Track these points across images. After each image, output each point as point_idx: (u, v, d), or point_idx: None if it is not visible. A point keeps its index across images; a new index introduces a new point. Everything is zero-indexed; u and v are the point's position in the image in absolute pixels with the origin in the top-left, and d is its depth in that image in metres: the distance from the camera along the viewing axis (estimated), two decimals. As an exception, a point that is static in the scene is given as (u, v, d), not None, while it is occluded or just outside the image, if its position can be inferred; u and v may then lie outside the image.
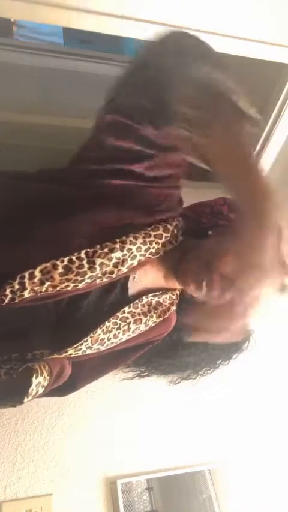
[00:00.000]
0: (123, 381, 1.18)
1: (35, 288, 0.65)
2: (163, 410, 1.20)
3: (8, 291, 0.65)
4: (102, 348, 0.76)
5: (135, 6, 0.85)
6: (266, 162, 1.43)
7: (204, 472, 1.16)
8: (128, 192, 0.72)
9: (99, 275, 0.69)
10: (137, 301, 0.77)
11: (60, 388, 0.79)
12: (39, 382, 0.69)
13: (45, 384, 0.71)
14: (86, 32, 0.89)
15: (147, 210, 0.74)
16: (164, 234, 0.76)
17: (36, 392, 0.69)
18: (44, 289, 0.66)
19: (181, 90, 0.55)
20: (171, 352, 1.16)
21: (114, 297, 0.75)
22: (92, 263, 0.67)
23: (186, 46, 0.60)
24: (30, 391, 0.67)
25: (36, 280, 0.65)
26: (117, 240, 0.69)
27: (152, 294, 0.80)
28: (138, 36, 0.91)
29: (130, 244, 0.70)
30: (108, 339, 0.75)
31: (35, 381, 0.67)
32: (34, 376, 0.67)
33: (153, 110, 0.61)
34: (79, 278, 0.67)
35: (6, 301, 0.65)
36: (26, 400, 0.67)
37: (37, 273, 0.65)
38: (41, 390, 0.71)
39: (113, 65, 2.42)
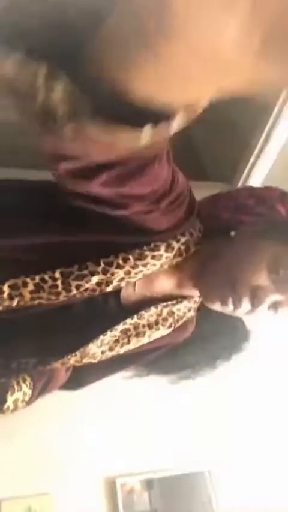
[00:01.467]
0: (123, 381, 1.18)
1: (5, 304, 0.60)
2: (163, 411, 1.20)
3: None
4: (94, 361, 0.70)
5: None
6: (266, 162, 1.43)
7: (204, 473, 1.16)
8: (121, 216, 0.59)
9: (78, 294, 0.61)
10: (142, 311, 0.68)
11: (67, 386, 0.79)
12: (17, 398, 0.67)
13: (27, 398, 0.69)
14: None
15: (143, 230, 0.61)
16: (165, 255, 0.64)
17: (16, 407, 0.68)
18: (15, 303, 0.60)
19: None
20: (170, 351, 1.15)
21: (109, 308, 0.67)
22: (67, 284, 0.60)
23: None
24: (5, 408, 0.66)
25: (5, 295, 0.60)
26: (102, 261, 0.60)
27: (164, 304, 0.71)
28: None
29: (117, 268, 0.61)
30: (102, 352, 0.68)
31: (10, 398, 0.66)
32: (9, 393, 0.65)
33: None
34: (52, 297, 0.60)
35: None
36: (2, 415, 0.66)
37: (5, 288, 0.59)
38: (21, 405, 0.70)
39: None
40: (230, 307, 0.62)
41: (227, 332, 1.19)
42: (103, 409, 1.15)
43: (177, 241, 0.65)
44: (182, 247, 0.66)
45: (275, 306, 0.63)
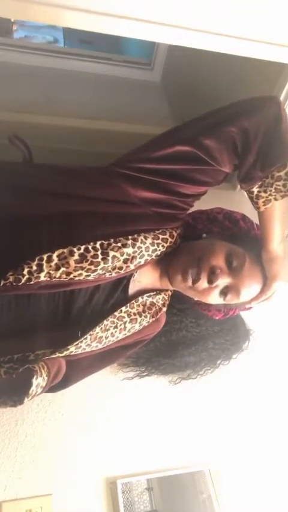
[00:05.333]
0: (124, 381, 1.18)
1: (51, 272, 0.67)
2: (163, 410, 1.20)
3: (25, 271, 0.66)
4: (100, 346, 0.79)
5: (135, 6, 0.85)
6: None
7: (204, 472, 1.16)
8: (152, 200, 0.78)
9: (110, 269, 0.72)
10: (133, 301, 0.81)
11: (53, 386, 0.81)
12: (39, 383, 0.70)
13: (44, 384, 0.72)
14: (86, 32, 0.89)
15: (161, 217, 0.80)
16: (169, 239, 0.82)
17: (36, 393, 0.71)
18: (58, 274, 0.68)
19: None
20: (171, 352, 1.16)
21: (116, 296, 0.79)
22: (105, 254, 0.70)
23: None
24: (30, 391, 0.68)
25: (53, 264, 0.67)
26: (130, 237, 0.74)
27: (147, 295, 0.84)
28: (138, 36, 0.91)
29: (141, 243, 0.75)
30: (106, 337, 0.78)
31: (35, 382, 0.68)
32: (34, 377, 0.68)
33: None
34: (92, 267, 0.70)
35: (22, 281, 0.66)
36: (26, 400, 0.68)
37: (54, 257, 0.67)
38: (39, 390, 0.72)
39: (113, 65, 2.42)
40: (190, 281, 0.78)
41: (227, 332, 1.20)
42: (103, 409, 1.15)
43: (176, 231, 0.84)
44: (177, 238, 0.85)
45: (225, 290, 0.80)
